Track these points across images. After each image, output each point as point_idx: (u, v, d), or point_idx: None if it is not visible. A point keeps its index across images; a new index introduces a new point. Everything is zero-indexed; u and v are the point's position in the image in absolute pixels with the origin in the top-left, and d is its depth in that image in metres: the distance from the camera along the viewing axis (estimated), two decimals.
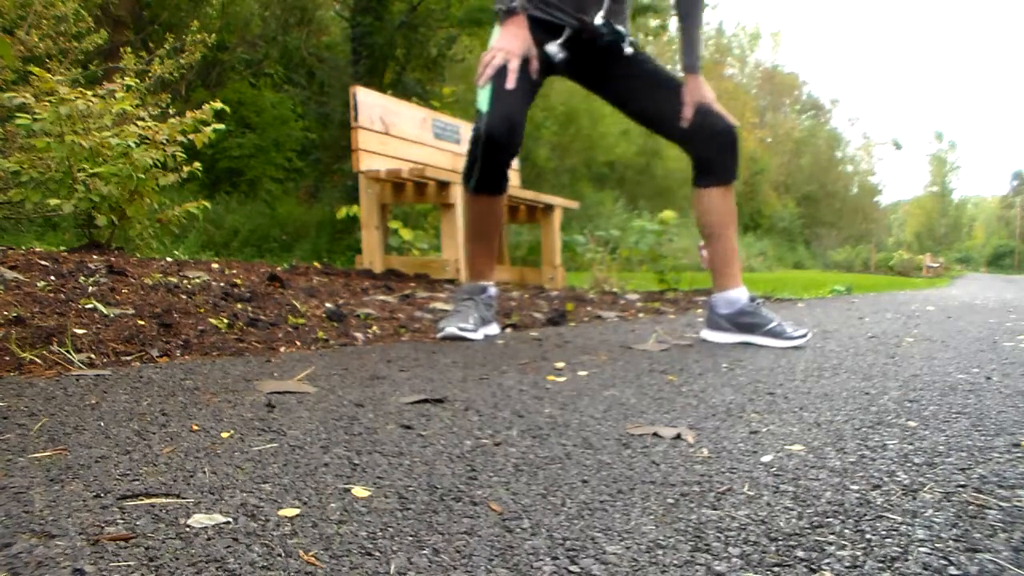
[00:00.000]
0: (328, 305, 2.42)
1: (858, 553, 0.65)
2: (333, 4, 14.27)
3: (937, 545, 0.67)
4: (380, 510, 0.74)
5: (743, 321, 2.17)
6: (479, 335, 2.12)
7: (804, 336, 2.13)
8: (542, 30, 2.06)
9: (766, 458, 0.95)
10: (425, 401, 1.24)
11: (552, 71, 2.14)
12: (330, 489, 0.79)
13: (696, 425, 1.12)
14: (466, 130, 4.83)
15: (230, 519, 0.70)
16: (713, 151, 2.10)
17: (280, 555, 0.63)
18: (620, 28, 2.10)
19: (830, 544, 0.67)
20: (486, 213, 2.15)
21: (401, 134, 4.14)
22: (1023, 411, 1.24)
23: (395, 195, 4.03)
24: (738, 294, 2.18)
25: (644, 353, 1.92)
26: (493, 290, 2.23)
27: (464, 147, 4.69)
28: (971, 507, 0.77)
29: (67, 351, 1.45)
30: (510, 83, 1.98)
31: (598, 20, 2.07)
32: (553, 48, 2.04)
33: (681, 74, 2.14)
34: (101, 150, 2.87)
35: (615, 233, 6.42)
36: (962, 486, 0.84)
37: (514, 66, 1.99)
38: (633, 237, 5.54)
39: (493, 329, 2.23)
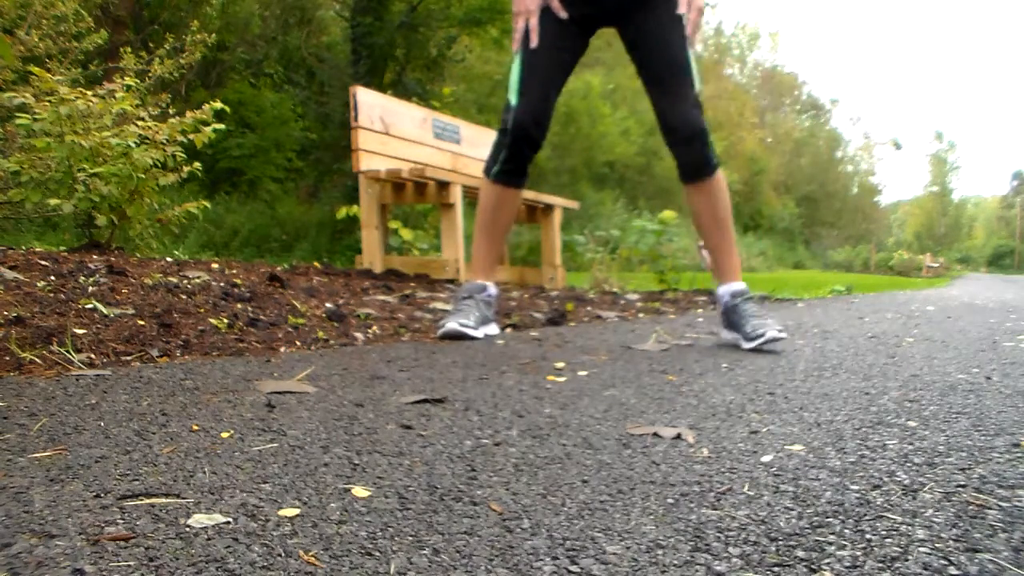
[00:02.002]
0: (328, 305, 2.42)
1: (858, 553, 0.65)
2: (333, 4, 14.27)
3: (937, 545, 0.67)
4: (380, 510, 0.74)
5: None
6: (479, 333, 2.11)
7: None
8: None
9: (766, 458, 0.95)
10: (425, 401, 1.24)
11: (599, 23, 2.12)
12: (330, 489, 0.79)
13: (696, 425, 1.12)
14: (466, 130, 4.84)
15: (230, 519, 0.70)
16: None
17: (280, 555, 0.63)
18: None
19: (830, 544, 0.67)
20: (501, 205, 2.17)
21: (401, 134, 4.14)
22: (1023, 411, 1.24)
23: (395, 195, 4.03)
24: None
25: (644, 353, 1.92)
26: (493, 289, 2.22)
27: (463, 147, 4.71)
28: (971, 507, 0.77)
29: (67, 351, 1.45)
30: (533, 41, 2.02)
31: None
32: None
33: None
34: (101, 150, 2.86)
35: (615, 233, 6.42)
36: (962, 486, 0.84)
37: (533, 23, 2.02)
38: (633, 237, 5.54)
39: (493, 329, 2.23)
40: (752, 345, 1.99)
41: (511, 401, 1.26)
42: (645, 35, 2.06)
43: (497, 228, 2.20)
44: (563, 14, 2.03)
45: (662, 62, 2.04)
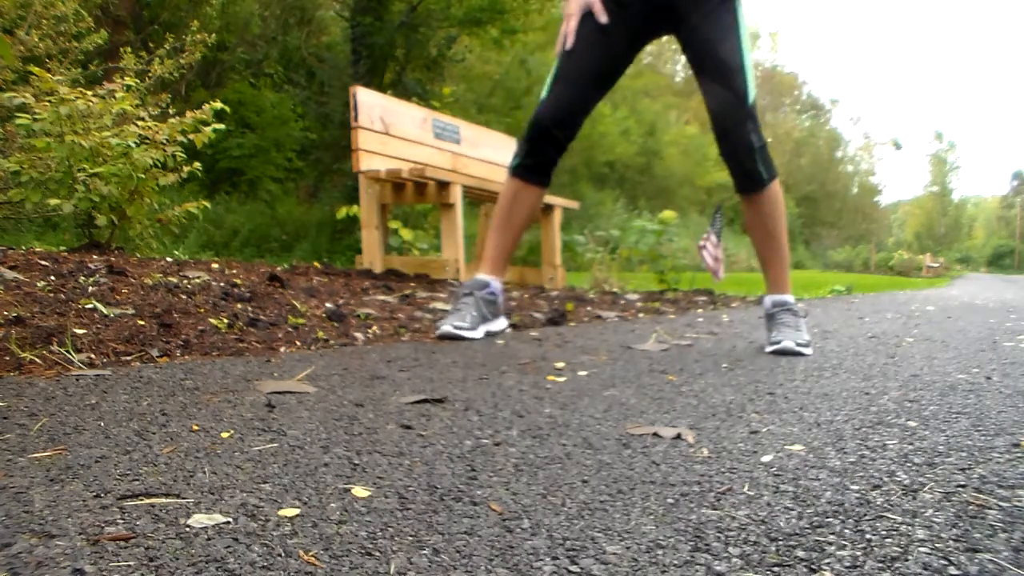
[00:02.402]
0: (328, 305, 2.42)
1: (858, 553, 0.65)
2: (333, 4, 14.27)
3: (937, 545, 0.67)
4: (380, 510, 0.74)
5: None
6: (477, 333, 2.10)
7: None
8: None
9: (766, 458, 0.95)
10: (425, 401, 1.24)
11: (649, 32, 2.08)
12: (330, 489, 0.79)
13: (696, 425, 1.12)
14: (466, 130, 4.84)
15: (230, 519, 0.70)
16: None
17: (280, 555, 0.63)
18: None
19: (830, 544, 0.67)
20: (516, 201, 2.17)
21: (401, 134, 4.14)
22: (1023, 411, 1.24)
23: (395, 195, 4.03)
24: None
25: (644, 353, 1.92)
26: (497, 285, 2.19)
27: (463, 147, 4.71)
28: (971, 507, 0.77)
29: (67, 351, 1.45)
30: (568, 44, 2.03)
31: None
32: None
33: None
34: (101, 150, 2.86)
35: (615, 233, 6.43)
36: (962, 486, 0.84)
37: (572, 27, 2.03)
38: (633, 237, 5.54)
39: (499, 324, 2.21)
40: (769, 349, 2.03)
41: (511, 401, 1.26)
42: (695, 43, 2.03)
43: (511, 225, 2.19)
44: (603, 19, 2.02)
45: (712, 70, 1.99)
